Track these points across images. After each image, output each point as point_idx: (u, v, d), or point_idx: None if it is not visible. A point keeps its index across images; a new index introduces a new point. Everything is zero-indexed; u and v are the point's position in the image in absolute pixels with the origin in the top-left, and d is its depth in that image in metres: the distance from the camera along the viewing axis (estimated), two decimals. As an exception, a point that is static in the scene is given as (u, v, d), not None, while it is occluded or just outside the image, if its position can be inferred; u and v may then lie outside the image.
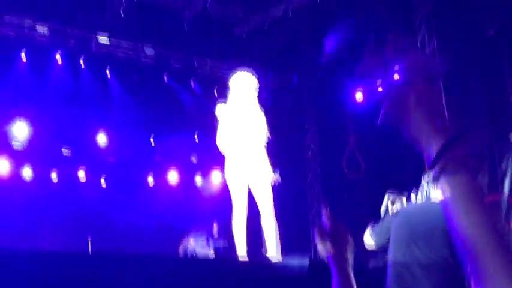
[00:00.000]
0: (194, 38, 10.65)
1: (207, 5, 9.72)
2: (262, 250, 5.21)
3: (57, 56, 10.26)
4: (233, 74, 5.48)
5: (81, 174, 10.77)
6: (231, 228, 5.31)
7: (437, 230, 2.71)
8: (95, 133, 10.79)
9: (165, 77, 11.28)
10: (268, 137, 5.34)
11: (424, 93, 0.94)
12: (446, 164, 0.88)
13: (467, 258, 0.86)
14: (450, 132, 0.91)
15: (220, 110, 5.36)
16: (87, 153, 10.81)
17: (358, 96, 11.25)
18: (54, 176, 10.49)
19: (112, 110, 10.98)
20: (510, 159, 9.70)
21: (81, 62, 10.49)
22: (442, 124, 0.92)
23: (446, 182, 0.88)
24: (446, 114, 0.94)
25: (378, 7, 9.61)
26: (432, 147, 0.91)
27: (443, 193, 0.88)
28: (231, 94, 5.37)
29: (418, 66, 0.97)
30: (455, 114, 9.37)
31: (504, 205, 9.66)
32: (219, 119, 5.35)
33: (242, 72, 5.45)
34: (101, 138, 10.82)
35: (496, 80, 9.65)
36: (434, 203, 3.11)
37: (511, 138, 9.62)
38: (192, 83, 11.56)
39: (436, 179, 0.89)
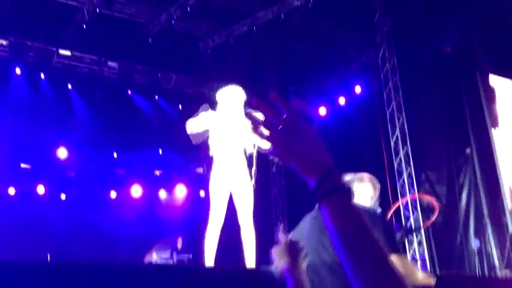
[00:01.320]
0: (159, 53, 10.64)
1: (172, 20, 9.73)
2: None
3: (17, 70, 10.05)
4: (220, 89, 5.52)
5: (41, 189, 10.53)
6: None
7: None
8: (55, 147, 10.58)
9: (129, 91, 11.20)
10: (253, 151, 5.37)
11: (304, 132, 1.06)
12: (325, 189, 1.04)
13: (347, 263, 0.99)
14: (326, 166, 1.06)
15: (209, 116, 5.34)
16: (47, 168, 10.59)
17: (322, 111, 11.45)
18: (12, 190, 10.21)
19: (74, 125, 10.80)
20: (467, 173, 10.02)
21: (42, 75, 10.31)
22: (319, 159, 1.06)
23: (327, 203, 1.03)
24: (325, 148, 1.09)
25: (340, 24, 9.85)
26: (312, 177, 1.06)
27: (324, 213, 1.03)
28: (219, 108, 5.40)
29: (300, 110, 1.09)
30: (415, 128, 9.65)
31: (461, 215, 9.96)
32: (208, 126, 5.32)
33: (230, 86, 5.49)
34: (62, 153, 10.62)
35: (452, 95, 9.99)
36: None
37: (467, 153, 9.95)
38: (156, 98, 11.51)
39: (318, 201, 1.04)
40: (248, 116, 1.16)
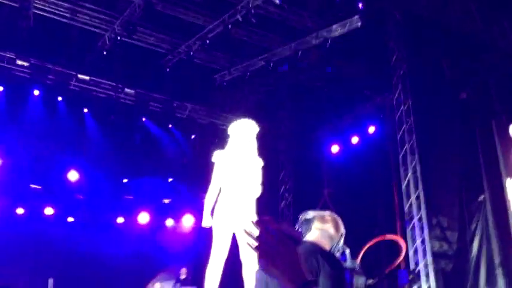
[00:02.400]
0: (176, 82, 10.76)
1: (191, 51, 9.87)
2: None
3: (35, 91, 10.20)
4: (233, 122, 5.51)
5: (50, 210, 10.53)
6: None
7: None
8: (67, 170, 10.62)
9: (144, 119, 11.29)
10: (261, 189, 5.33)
11: (287, 252, 1.25)
12: None
13: None
14: (301, 279, 1.23)
15: (218, 156, 5.33)
16: (57, 190, 10.61)
17: (334, 149, 11.41)
18: (20, 210, 10.23)
19: (87, 148, 10.87)
20: (480, 220, 9.86)
21: (59, 98, 10.46)
22: (296, 273, 1.24)
23: None
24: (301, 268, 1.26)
25: (357, 65, 9.92)
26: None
27: None
28: (231, 141, 5.38)
29: (287, 231, 1.28)
30: (428, 171, 9.56)
31: (472, 264, 9.75)
32: (215, 165, 5.32)
33: (243, 119, 5.48)
34: (73, 176, 10.65)
35: (467, 142, 9.92)
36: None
37: (480, 200, 9.81)
38: (170, 126, 11.58)
39: None
40: (245, 232, 1.39)
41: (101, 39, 9.69)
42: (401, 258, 2.68)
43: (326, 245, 3.07)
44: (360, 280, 3.39)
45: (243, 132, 5.33)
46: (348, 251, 3.10)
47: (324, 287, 2.68)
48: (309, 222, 3.14)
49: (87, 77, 10.33)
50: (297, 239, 1.30)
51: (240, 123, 5.41)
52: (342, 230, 3.18)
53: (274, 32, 9.78)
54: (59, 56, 9.93)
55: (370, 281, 2.92)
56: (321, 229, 3.11)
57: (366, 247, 3.04)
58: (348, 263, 3.09)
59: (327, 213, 3.24)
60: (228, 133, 5.43)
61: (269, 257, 1.25)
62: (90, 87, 10.54)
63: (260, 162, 5.32)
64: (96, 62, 10.13)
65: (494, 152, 9.35)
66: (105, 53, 9.74)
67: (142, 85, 10.85)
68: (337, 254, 3.13)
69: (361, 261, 3.05)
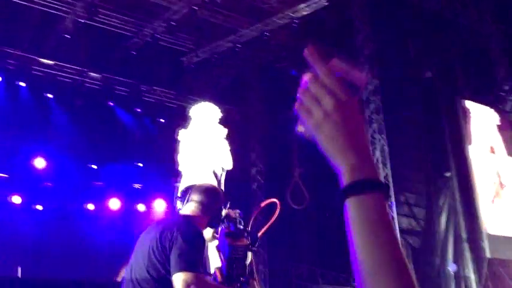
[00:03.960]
0: (142, 66, 10.59)
1: (156, 34, 9.71)
2: None
3: (-4, 78, 9.92)
4: (194, 105, 5.50)
5: (17, 199, 10.32)
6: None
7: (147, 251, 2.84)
8: (33, 157, 10.40)
9: (111, 103, 11.10)
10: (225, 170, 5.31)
11: (341, 104, 0.87)
12: (357, 182, 0.85)
13: (359, 278, 0.82)
14: (366, 155, 0.87)
15: (182, 136, 5.33)
16: (24, 178, 10.39)
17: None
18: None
19: (53, 135, 10.65)
20: (447, 196, 10.10)
21: (22, 84, 10.18)
22: (356, 143, 0.87)
23: (356, 201, 0.84)
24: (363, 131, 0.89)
25: (324, 44, 9.91)
26: (343, 166, 0.87)
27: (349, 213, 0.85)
28: (191, 124, 5.36)
29: (339, 73, 0.88)
30: (395, 150, 9.71)
31: (440, 240, 10.00)
32: (180, 144, 5.31)
33: (204, 102, 5.47)
34: (39, 163, 10.44)
35: (432, 119, 10.10)
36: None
37: (447, 176, 10.04)
38: (138, 110, 11.42)
39: (345, 194, 0.86)
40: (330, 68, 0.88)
41: (62, 22, 9.43)
42: (275, 217, 2.64)
43: (200, 215, 3.03)
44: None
45: (204, 114, 5.33)
46: (238, 220, 3.06)
47: (173, 259, 2.66)
48: (185, 193, 3.13)
49: (50, 62, 10.07)
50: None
51: (201, 106, 5.41)
52: (221, 200, 3.13)
53: (240, 12, 9.69)
54: (19, 40, 9.63)
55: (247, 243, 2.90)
56: (197, 201, 3.08)
57: (251, 220, 3.01)
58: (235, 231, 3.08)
59: (204, 185, 3.23)
60: (190, 115, 5.42)
61: (337, 117, 0.86)
62: (53, 72, 10.29)
63: (223, 132, 5.33)
64: (59, 46, 9.87)
65: (459, 129, 9.56)
66: (68, 36, 9.49)
67: (108, 69, 10.64)
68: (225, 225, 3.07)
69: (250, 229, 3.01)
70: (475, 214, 9.33)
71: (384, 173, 9.43)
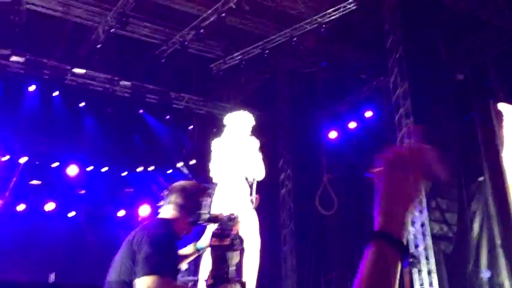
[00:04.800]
0: (171, 73, 10.72)
1: (186, 41, 9.82)
2: None
3: (31, 87, 10.16)
4: (229, 113, 5.58)
5: (50, 205, 10.54)
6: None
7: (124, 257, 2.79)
8: (66, 165, 10.62)
9: (141, 111, 11.26)
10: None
11: (407, 183, 1.08)
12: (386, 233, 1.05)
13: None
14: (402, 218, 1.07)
15: (215, 144, 5.40)
16: (57, 185, 10.62)
17: (333, 135, 11.41)
18: (21, 207, 10.24)
19: (85, 142, 10.86)
20: (480, 201, 9.89)
21: (56, 93, 10.42)
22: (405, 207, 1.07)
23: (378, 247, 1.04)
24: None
25: (352, 49, 9.88)
26: (384, 216, 1.08)
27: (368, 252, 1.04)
28: (225, 132, 5.43)
29: (425, 164, 1.09)
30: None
31: (473, 246, 9.80)
32: (213, 153, 5.39)
33: (238, 111, 5.54)
34: (72, 170, 10.65)
35: (465, 122, 9.92)
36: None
37: (480, 180, 9.83)
38: (167, 117, 11.55)
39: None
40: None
41: (94, 32, 9.63)
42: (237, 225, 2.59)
43: (179, 217, 2.97)
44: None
45: (238, 123, 5.39)
46: (225, 221, 2.99)
47: (139, 264, 2.62)
48: (167, 196, 3.07)
49: (82, 71, 10.28)
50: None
51: (235, 114, 5.47)
52: (195, 196, 3.03)
53: (268, 18, 9.73)
54: (53, 50, 9.87)
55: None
56: (172, 202, 3.02)
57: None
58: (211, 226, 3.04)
59: (181, 184, 3.13)
60: (224, 123, 5.48)
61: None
62: (85, 80, 10.50)
63: (256, 143, 5.35)
64: (90, 56, 10.08)
65: (493, 132, 9.36)
66: (99, 46, 9.69)
67: (138, 77, 10.81)
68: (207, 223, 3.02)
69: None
70: (509, 219, 9.11)
71: (415, 177, 9.30)
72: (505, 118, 9.57)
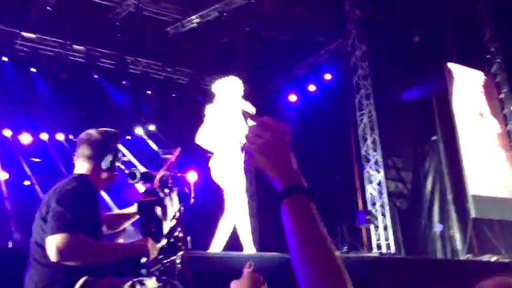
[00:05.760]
0: (126, 37, 10.42)
1: (140, 4, 9.54)
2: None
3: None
4: (216, 80, 5.59)
5: (4, 175, 10.23)
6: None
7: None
8: (19, 132, 10.28)
9: (95, 76, 10.95)
10: None
11: (273, 144, 1.18)
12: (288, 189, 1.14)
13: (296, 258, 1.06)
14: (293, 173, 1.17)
15: (208, 110, 5.42)
16: (9, 153, 10.29)
17: (292, 98, 11.51)
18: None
19: (37, 109, 10.51)
20: (433, 159, 10.29)
21: (4, 58, 9.98)
22: (287, 162, 1.18)
23: (290, 202, 1.12)
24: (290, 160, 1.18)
25: (310, 12, 9.87)
26: (278, 178, 1.16)
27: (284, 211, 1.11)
28: (216, 100, 5.45)
29: (272, 126, 1.20)
30: (383, 115, 9.83)
31: (426, 202, 10.24)
32: (205, 118, 5.41)
33: (227, 77, 5.54)
34: (25, 138, 10.33)
35: (420, 84, 10.20)
36: None
37: (434, 140, 10.21)
38: (123, 82, 11.29)
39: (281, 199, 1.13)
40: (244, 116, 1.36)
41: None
42: (172, 159, 2.53)
43: (92, 168, 2.83)
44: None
45: (228, 89, 5.42)
46: (138, 173, 2.93)
47: (48, 224, 2.51)
48: (76, 150, 2.91)
49: (32, 35, 9.86)
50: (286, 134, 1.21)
51: (224, 81, 5.50)
52: (103, 143, 2.87)
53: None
54: (1, 14, 9.38)
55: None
56: (82, 155, 2.87)
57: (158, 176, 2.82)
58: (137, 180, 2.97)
59: (88, 133, 2.91)
60: (213, 91, 5.52)
61: (259, 154, 1.18)
62: (36, 45, 10.08)
63: (252, 108, 5.43)
64: (41, 19, 9.65)
65: (446, 93, 9.68)
66: (49, 8, 9.27)
67: (92, 41, 10.46)
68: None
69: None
70: (461, 176, 9.53)
71: (372, 138, 9.56)
72: (457, 78, 9.90)
